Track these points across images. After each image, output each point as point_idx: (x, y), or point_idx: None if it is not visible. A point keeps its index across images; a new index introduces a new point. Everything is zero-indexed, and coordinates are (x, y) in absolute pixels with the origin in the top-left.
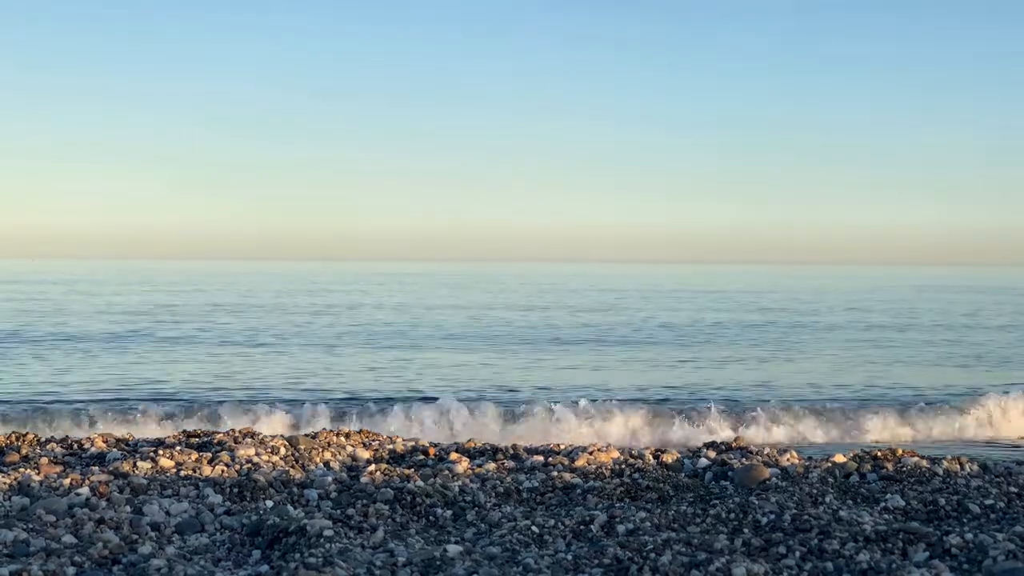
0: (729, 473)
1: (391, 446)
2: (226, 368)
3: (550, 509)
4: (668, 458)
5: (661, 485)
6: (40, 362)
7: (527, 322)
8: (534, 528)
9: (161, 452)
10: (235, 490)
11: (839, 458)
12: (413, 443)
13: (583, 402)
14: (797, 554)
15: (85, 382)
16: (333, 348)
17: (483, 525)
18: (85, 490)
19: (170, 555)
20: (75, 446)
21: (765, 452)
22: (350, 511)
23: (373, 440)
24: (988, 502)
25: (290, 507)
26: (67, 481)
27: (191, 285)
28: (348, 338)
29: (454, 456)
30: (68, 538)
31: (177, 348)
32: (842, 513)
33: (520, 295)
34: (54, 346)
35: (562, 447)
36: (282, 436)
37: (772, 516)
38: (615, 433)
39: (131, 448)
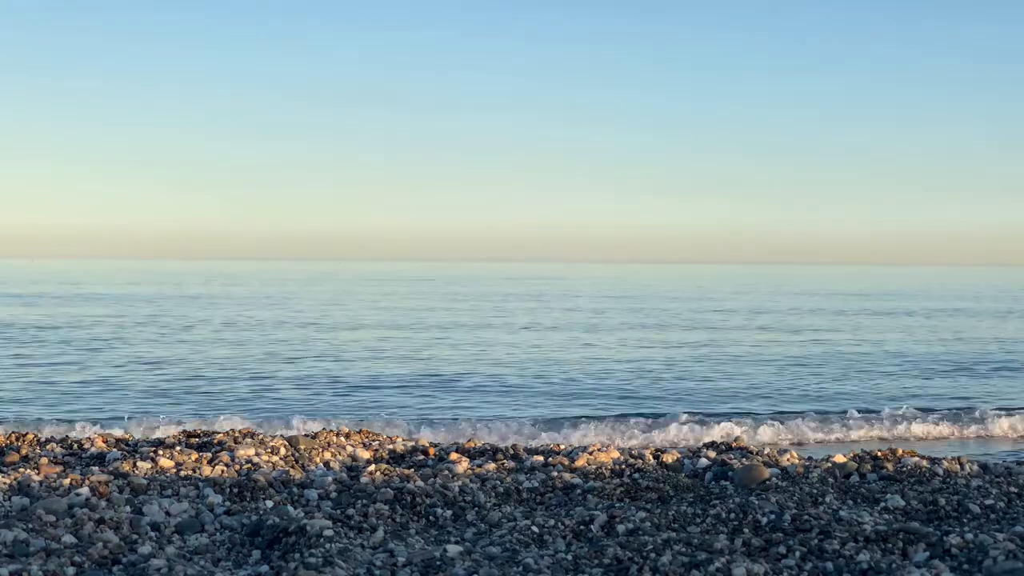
0: (729, 473)
1: (391, 446)
2: None
3: (550, 509)
4: (668, 458)
5: (661, 485)
6: None
7: None
8: (534, 528)
9: (161, 452)
10: (235, 490)
11: (839, 458)
12: (413, 443)
13: None
14: (797, 554)
15: None
16: None
17: (483, 525)
18: (85, 490)
19: (170, 555)
20: (75, 446)
21: (765, 452)
22: (350, 511)
23: (373, 440)
24: (988, 502)
25: (290, 507)
26: (67, 481)
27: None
28: None
29: (454, 456)
30: (68, 538)
31: None
32: (842, 513)
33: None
34: None
35: (562, 447)
36: (282, 436)
37: (772, 516)
38: None
39: (131, 448)
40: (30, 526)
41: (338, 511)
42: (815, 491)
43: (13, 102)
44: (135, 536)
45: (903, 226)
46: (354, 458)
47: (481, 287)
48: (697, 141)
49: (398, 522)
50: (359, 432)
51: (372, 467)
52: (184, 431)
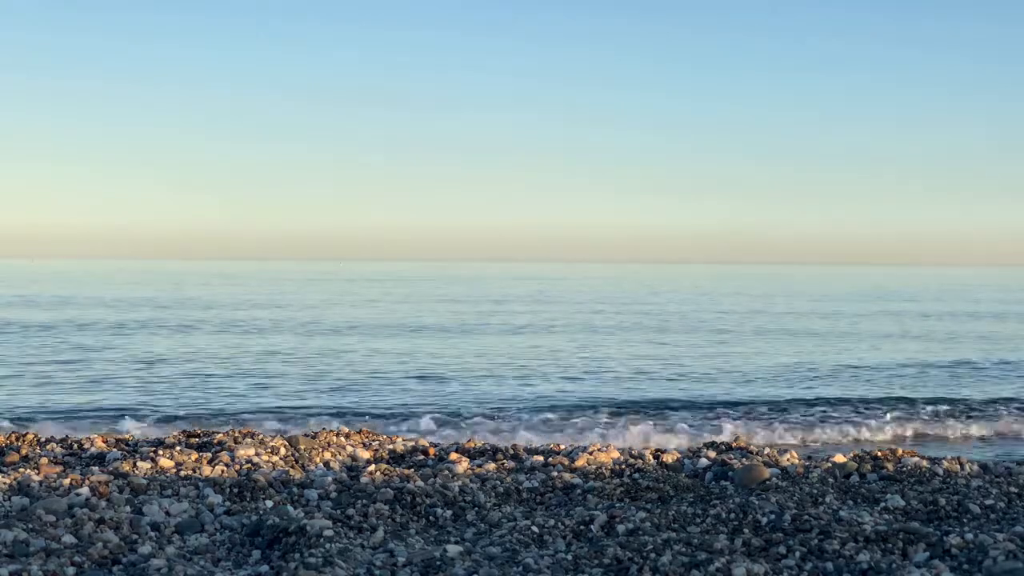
0: (729, 473)
1: (391, 446)
2: None
3: (550, 509)
4: (668, 458)
5: (661, 485)
6: None
7: None
8: (534, 528)
9: (161, 452)
10: (235, 490)
11: (839, 458)
12: (413, 443)
13: None
14: (797, 554)
15: None
16: None
17: (483, 525)
18: (85, 490)
19: (170, 555)
20: (75, 446)
21: (765, 452)
22: (350, 511)
23: (373, 440)
24: (988, 502)
25: (290, 507)
26: (67, 481)
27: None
28: None
29: (454, 456)
30: (68, 538)
31: None
32: (842, 513)
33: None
34: None
35: (562, 447)
36: (282, 436)
37: (772, 516)
38: None
39: (131, 448)
40: (30, 526)
41: (338, 511)
42: (815, 491)
43: (13, 102)
44: (135, 536)
45: (903, 226)
46: (354, 458)
47: (480, 287)
48: (697, 141)
49: (398, 522)
50: (359, 432)
51: (372, 467)
52: (184, 431)
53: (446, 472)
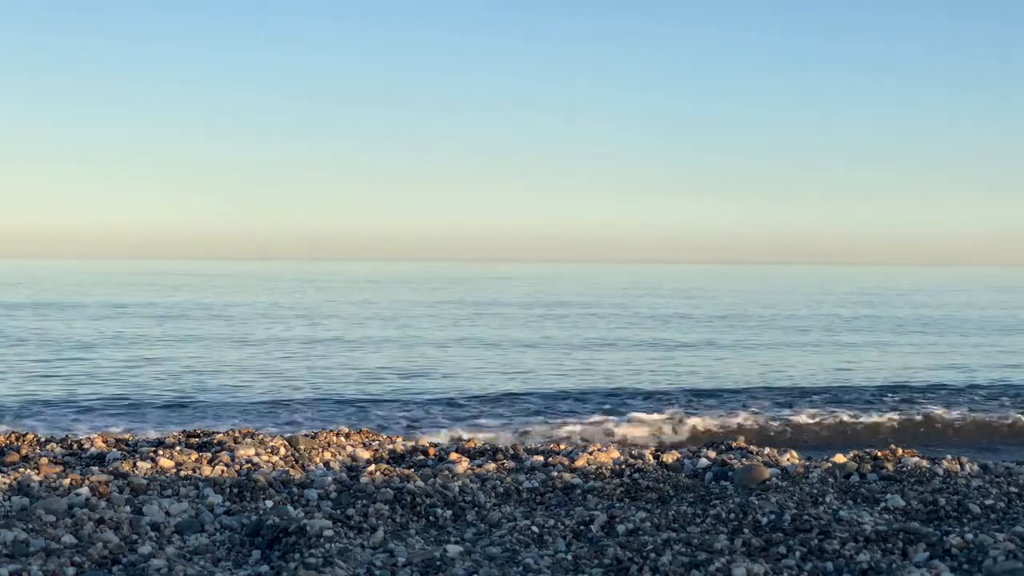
0: (729, 473)
1: (391, 446)
2: None
3: (550, 509)
4: (668, 458)
5: (661, 485)
6: None
7: None
8: (534, 528)
9: (161, 452)
10: (235, 490)
11: (839, 458)
12: (413, 443)
13: None
14: (797, 554)
15: None
16: None
17: (483, 525)
18: (85, 490)
19: (170, 555)
20: (75, 446)
21: (765, 452)
22: (350, 511)
23: (373, 440)
24: (988, 502)
25: (290, 507)
26: (67, 481)
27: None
28: None
29: (454, 456)
30: (68, 538)
31: None
32: (842, 513)
33: None
34: None
35: (562, 447)
36: (282, 436)
37: (772, 516)
38: None
39: (131, 448)
40: (30, 526)
41: (338, 511)
42: (815, 491)
43: (13, 102)
44: (135, 536)
45: (903, 226)
46: (354, 458)
47: (480, 287)
48: (697, 141)
49: (398, 522)
50: (359, 432)
51: (372, 467)
52: (184, 431)
53: (446, 472)
